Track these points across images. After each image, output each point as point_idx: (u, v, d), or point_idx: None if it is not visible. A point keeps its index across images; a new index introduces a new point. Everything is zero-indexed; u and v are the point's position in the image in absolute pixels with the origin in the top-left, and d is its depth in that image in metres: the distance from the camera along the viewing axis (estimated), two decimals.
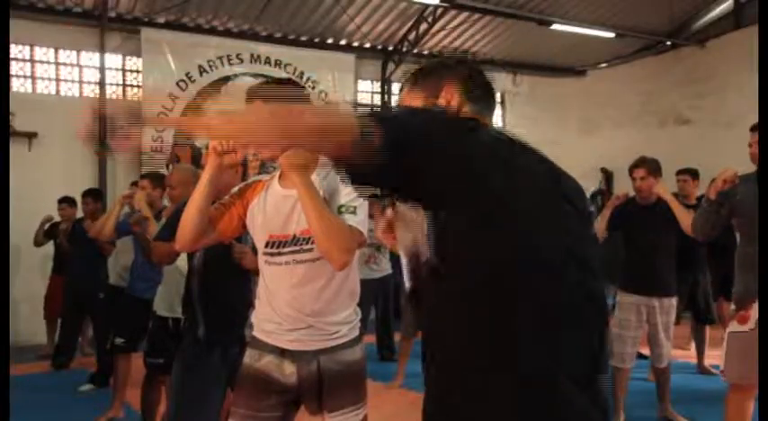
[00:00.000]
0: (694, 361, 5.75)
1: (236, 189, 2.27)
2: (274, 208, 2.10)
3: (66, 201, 6.56)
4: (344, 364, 2.11)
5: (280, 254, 2.08)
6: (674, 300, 4.22)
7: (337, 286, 2.10)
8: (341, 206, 2.01)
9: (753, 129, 3.28)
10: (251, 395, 2.09)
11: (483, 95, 1.40)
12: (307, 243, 2.02)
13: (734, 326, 3.15)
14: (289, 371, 2.09)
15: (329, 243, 1.91)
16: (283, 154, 2.00)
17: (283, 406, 2.10)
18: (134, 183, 5.26)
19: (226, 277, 2.77)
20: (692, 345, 6.04)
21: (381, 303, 6.38)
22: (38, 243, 6.92)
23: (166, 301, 3.59)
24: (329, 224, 1.91)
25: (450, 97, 1.37)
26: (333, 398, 2.09)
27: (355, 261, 2.17)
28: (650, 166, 4.11)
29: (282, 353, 2.09)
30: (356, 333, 2.17)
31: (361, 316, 2.21)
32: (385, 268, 6.25)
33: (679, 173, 5.37)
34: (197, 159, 4.47)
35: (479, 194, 1.07)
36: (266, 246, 2.11)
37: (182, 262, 3.14)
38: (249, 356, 2.15)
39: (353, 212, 2.02)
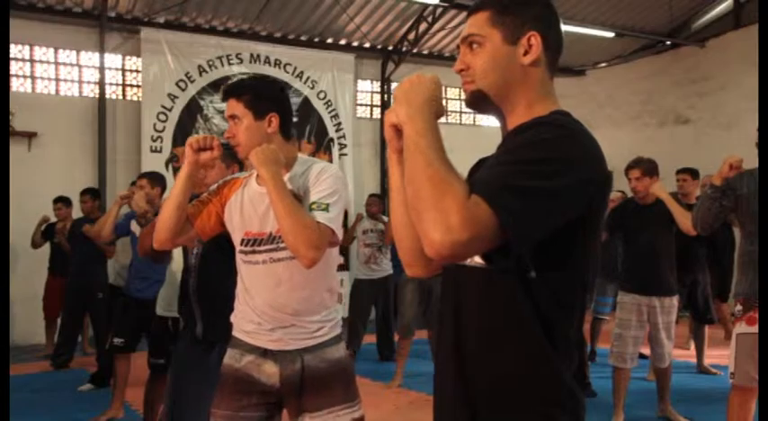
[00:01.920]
0: (694, 360, 5.75)
1: (213, 186, 2.23)
2: (251, 205, 2.07)
3: (62, 201, 6.55)
4: (330, 362, 2.08)
5: (255, 252, 2.05)
6: (674, 300, 4.21)
7: (315, 284, 2.06)
8: (312, 203, 1.97)
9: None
10: (231, 395, 2.06)
11: (558, 49, 1.28)
12: (283, 241, 1.99)
13: (742, 328, 3.07)
14: (270, 372, 2.05)
15: (295, 239, 1.87)
16: (252, 150, 1.98)
17: (266, 406, 2.08)
18: (134, 183, 5.26)
19: (223, 274, 2.76)
20: (692, 345, 6.04)
21: (382, 303, 6.36)
22: (35, 245, 6.90)
23: (167, 302, 3.59)
24: (296, 220, 1.87)
25: (530, 48, 1.24)
26: (318, 397, 2.05)
27: (332, 259, 2.13)
28: (645, 167, 4.10)
29: (264, 353, 2.06)
30: (338, 330, 2.14)
31: (346, 315, 2.18)
32: (385, 268, 6.23)
33: (679, 172, 5.37)
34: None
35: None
36: (242, 243, 2.08)
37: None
38: (230, 356, 2.12)
39: (325, 209, 1.96)
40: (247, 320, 2.09)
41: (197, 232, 2.18)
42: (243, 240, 2.07)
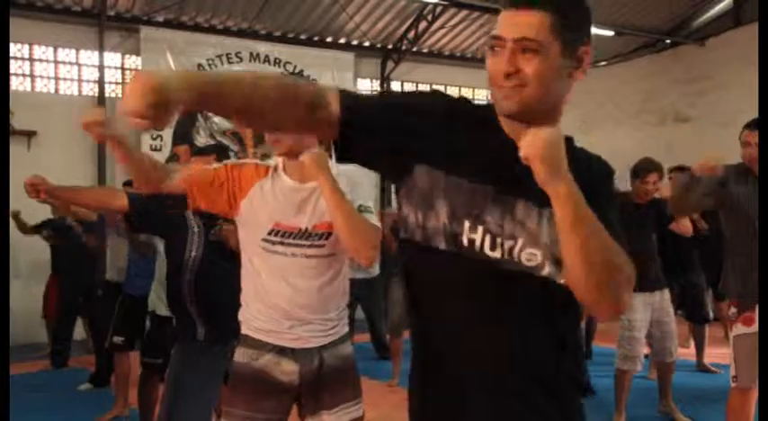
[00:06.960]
0: (693, 359, 5.75)
1: (217, 164, 2.20)
2: (283, 198, 2.08)
3: None
4: (343, 358, 2.15)
5: (283, 244, 2.05)
6: (667, 293, 4.27)
7: (338, 283, 2.14)
8: (360, 205, 2.07)
9: (750, 126, 3.05)
10: (249, 396, 2.06)
11: None
12: (319, 239, 2.04)
13: (739, 329, 3.06)
14: (289, 370, 2.07)
15: (358, 241, 1.96)
16: (308, 154, 1.99)
17: (283, 407, 2.10)
18: (125, 184, 5.22)
19: (223, 277, 2.76)
20: (692, 343, 6.04)
21: (369, 304, 6.24)
22: (24, 231, 6.51)
23: (164, 300, 3.57)
24: (357, 223, 1.97)
25: (580, 64, 1.21)
26: (334, 393, 2.10)
27: (348, 260, 2.21)
28: (661, 171, 4.13)
29: (282, 351, 2.07)
30: (347, 328, 2.22)
31: (349, 313, 2.26)
32: (373, 269, 6.13)
33: (671, 171, 5.33)
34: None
35: None
36: (269, 233, 2.06)
37: None
38: (244, 355, 2.11)
39: (371, 212, 2.10)
40: (264, 318, 2.09)
41: (188, 192, 2.11)
42: (271, 231, 2.06)
